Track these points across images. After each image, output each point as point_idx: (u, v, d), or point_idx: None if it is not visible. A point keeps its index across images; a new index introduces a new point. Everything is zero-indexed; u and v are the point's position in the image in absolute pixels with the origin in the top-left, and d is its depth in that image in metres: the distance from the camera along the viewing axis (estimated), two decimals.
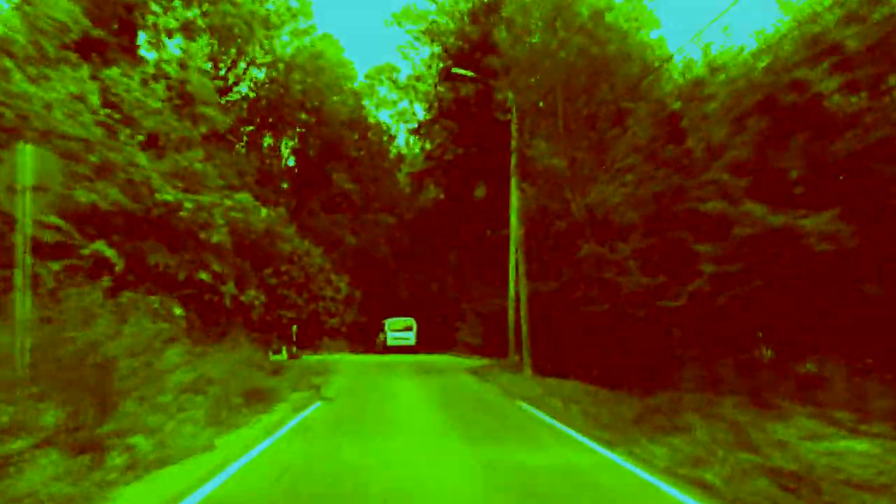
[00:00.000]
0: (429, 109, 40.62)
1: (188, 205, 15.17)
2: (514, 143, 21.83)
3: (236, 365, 12.70)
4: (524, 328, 19.34)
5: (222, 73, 43.17)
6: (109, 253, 14.50)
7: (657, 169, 13.45)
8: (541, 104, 20.57)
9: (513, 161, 21.57)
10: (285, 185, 49.46)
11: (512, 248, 21.48)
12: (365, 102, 48.84)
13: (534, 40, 21.64)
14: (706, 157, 11.80)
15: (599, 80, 18.69)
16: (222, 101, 43.58)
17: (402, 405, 12.14)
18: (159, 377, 8.21)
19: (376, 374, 19.00)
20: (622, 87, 18.17)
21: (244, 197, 18.18)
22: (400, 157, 51.66)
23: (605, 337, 15.88)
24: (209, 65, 41.89)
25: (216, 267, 15.90)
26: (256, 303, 30.79)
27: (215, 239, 15.82)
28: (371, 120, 50.70)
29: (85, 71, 16.01)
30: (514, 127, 21.54)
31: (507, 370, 19.32)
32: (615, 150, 15.82)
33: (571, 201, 17.62)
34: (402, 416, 10.79)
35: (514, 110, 21.63)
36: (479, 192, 35.68)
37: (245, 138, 44.36)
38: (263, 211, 25.33)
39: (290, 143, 51.16)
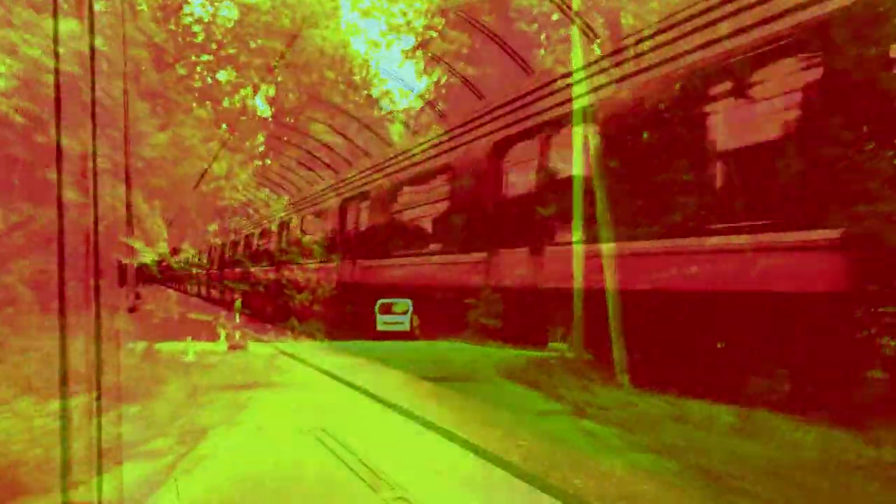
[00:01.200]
0: (429, 25, 32.09)
1: None
2: None
3: None
4: (612, 309, 10.92)
5: None
6: None
7: None
8: None
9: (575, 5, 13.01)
10: (261, 138, 43.72)
11: (577, 170, 12.91)
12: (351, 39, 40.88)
13: None
14: None
15: None
16: (171, 27, 36.14)
17: None
18: None
19: (344, 394, 10.58)
20: None
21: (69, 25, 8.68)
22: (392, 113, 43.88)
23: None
24: None
25: None
26: (194, 270, 22.67)
27: None
28: (358, 60, 43.26)
29: None
30: None
31: (577, 375, 11.07)
32: None
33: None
34: None
35: None
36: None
37: (199, 68, 35.67)
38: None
39: (269, 91, 43.79)
